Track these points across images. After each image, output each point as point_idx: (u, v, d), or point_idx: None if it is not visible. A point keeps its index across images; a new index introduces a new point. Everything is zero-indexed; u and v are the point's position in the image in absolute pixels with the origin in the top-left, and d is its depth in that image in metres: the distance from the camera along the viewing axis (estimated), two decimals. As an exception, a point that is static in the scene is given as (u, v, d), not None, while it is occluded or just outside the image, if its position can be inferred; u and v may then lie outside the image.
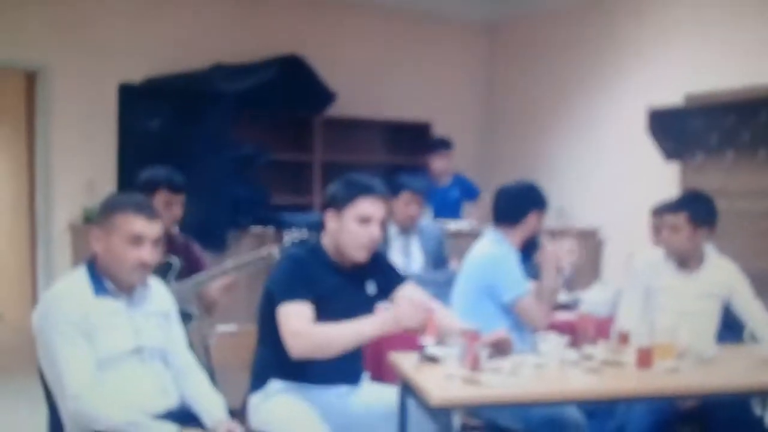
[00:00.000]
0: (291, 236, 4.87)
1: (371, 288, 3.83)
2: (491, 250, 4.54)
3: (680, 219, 4.43)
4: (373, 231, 3.72)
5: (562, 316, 4.94)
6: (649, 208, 5.54)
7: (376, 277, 3.86)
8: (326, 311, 3.60)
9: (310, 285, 3.64)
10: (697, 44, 6.70)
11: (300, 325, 3.54)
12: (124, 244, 3.35)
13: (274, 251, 4.80)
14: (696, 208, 4.45)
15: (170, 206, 4.75)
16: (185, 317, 4.08)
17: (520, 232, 4.54)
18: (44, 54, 7.20)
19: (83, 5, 7.30)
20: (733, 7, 6.50)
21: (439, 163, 7.64)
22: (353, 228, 3.70)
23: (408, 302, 3.58)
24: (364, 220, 3.70)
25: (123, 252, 3.35)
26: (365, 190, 3.73)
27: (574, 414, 3.92)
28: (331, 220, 3.77)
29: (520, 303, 4.38)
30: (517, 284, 4.42)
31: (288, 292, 3.61)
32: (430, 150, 7.77)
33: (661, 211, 5.17)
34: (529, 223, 4.53)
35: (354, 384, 3.85)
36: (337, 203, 3.75)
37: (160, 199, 4.71)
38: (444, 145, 7.72)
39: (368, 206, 3.71)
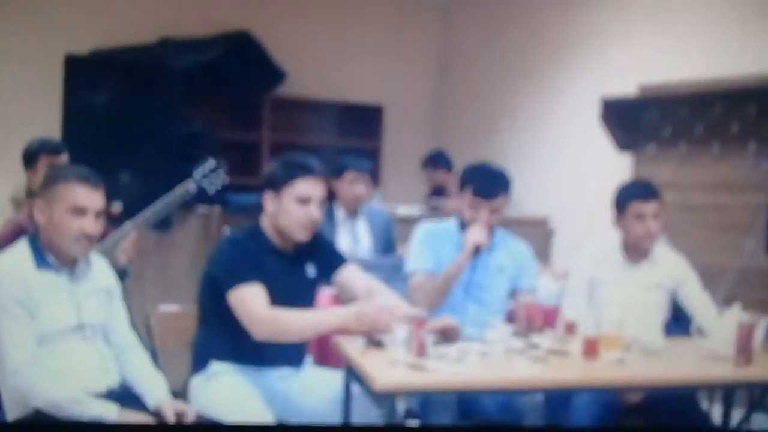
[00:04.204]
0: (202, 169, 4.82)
1: (311, 270, 3.82)
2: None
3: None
4: (313, 211, 3.71)
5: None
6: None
7: (316, 258, 3.84)
8: (267, 295, 3.58)
9: (253, 267, 3.62)
10: (653, 35, 6.73)
11: (260, 309, 3.54)
12: (66, 215, 3.32)
13: (191, 187, 4.74)
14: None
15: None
16: (121, 274, 4.03)
17: None
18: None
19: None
20: (690, 1, 6.54)
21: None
22: (292, 209, 3.69)
23: (376, 306, 3.57)
24: (303, 201, 3.69)
25: (65, 223, 3.32)
26: (303, 171, 3.72)
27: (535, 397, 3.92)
28: (269, 202, 3.75)
29: (410, 280, 4.35)
30: (410, 259, 4.41)
31: (236, 276, 3.60)
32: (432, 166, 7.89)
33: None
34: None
35: (296, 366, 3.83)
36: (275, 185, 3.74)
37: (45, 163, 4.71)
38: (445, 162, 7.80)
39: (307, 187, 3.70)
